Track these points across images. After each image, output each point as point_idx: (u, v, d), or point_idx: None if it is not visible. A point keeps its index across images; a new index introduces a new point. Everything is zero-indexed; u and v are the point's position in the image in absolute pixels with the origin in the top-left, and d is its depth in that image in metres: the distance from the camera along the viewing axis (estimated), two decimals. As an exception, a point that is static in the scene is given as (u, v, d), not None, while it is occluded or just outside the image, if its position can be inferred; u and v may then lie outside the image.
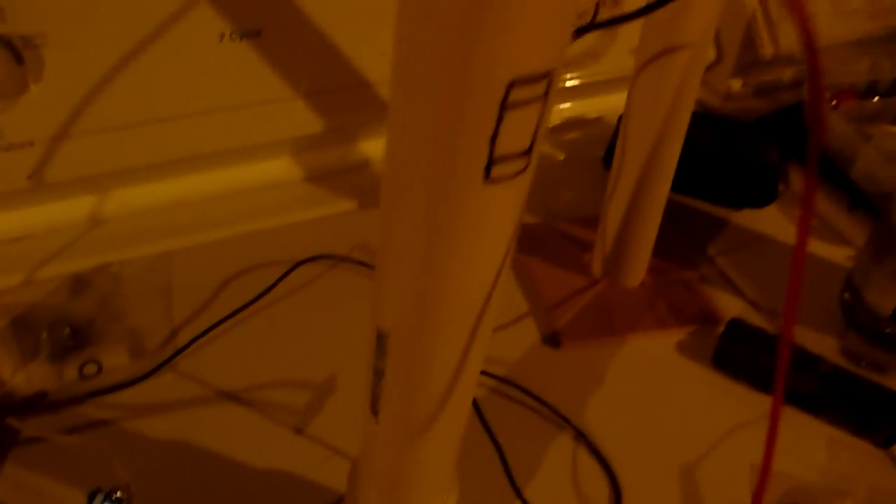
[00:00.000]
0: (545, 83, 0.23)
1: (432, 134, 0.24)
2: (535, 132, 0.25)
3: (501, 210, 0.26)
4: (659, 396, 0.66)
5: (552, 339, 0.69)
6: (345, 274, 0.75)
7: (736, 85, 0.98)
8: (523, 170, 0.25)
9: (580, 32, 0.44)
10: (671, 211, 0.72)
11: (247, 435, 0.62)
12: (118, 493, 0.51)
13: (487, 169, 0.24)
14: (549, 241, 0.78)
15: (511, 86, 0.22)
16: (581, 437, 0.62)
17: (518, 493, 0.57)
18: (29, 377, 0.65)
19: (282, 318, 0.70)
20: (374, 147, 0.86)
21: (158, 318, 0.70)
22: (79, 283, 0.72)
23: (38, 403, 0.62)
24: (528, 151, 0.25)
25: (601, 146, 0.90)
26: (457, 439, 0.39)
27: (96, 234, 0.77)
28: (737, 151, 0.85)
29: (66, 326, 0.66)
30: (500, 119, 0.23)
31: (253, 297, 0.71)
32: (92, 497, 0.51)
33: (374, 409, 0.37)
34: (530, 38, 0.21)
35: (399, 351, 0.32)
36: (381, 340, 0.33)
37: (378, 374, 0.35)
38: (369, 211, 0.82)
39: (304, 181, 0.84)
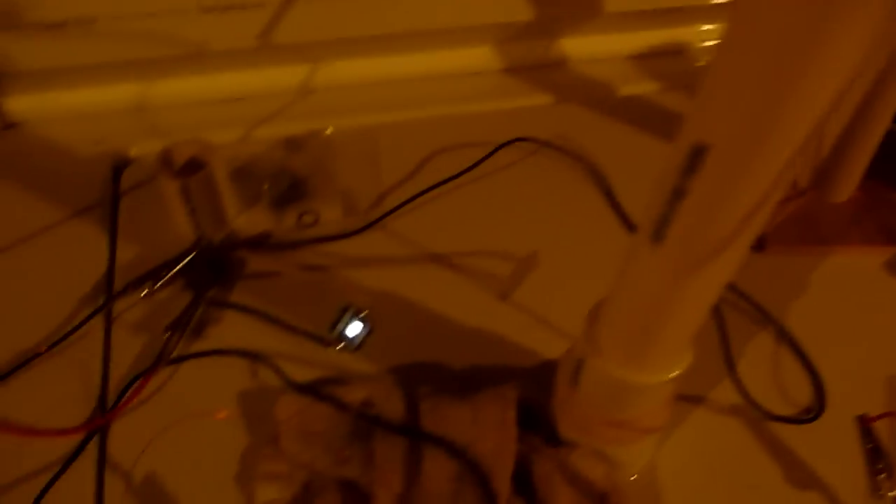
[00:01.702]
0: None
1: None
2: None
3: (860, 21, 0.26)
4: (864, 309, 0.65)
5: (757, 243, 0.68)
6: (544, 160, 0.76)
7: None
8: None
9: None
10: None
11: (454, 294, 0.64)
12: (364, 313, 0.54)
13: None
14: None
15: None
16: (784, 335, 0.62)
17: (731, 368, 0.57)
18: (250, 220, 0.69)
19: (484, 195, 0.72)
20: (574, 45, 0.85)
21: (368, 182, 0.73)
22: (293, 144, 0.76)
23: (262, 242, 0.66)
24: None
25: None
26: (727, 278, 0.39)
27: (307, 103, 0.81)
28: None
29: (287, 178, 0.70)
30: None
31: (456, 172, 0.73)
32: (343, 311, 0.54)
33: (659, 235, 0.38)
34: None
35: (718, 165, 0.33)
36: (695, 156, 0.34)
37: (677, 195, 0.35)
38: (566, 106, 0.82)
39: (502, 72, 0.85)
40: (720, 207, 0.35)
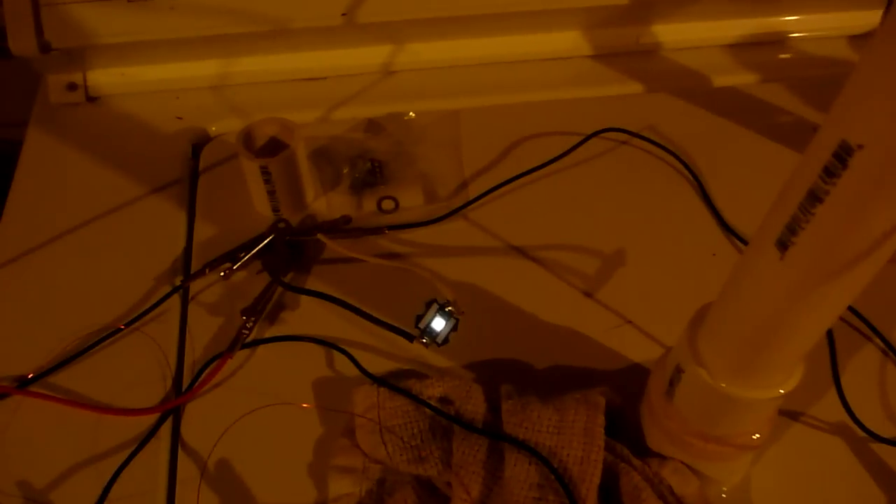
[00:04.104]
0: None
1: None
2: None
3: None
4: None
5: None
6: (633, 152, 0.72)
7: None
8: None
9: None
10: None
11: (536, 289, 0.62)
12: (450, 307, 0.52)
13: None
14: None
15: None
16: (892, 352, 0.58)
17: (837, 383, 0.54)
18: (329, 204, 0.68)
19: (570, 186, 0.69)
20: (667, 32, 0.81)
21: (449, 168, 0.70)
22: (373, 127, 0.74)
23: (340, 227, 0.64)
24: None
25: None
26: (857, 292, 0.36)
27: (387, 85, 0.79)
28: None
29: (367, 162, 0.68)
30: None
31: (540, 162, 0.70)
32: (428, 306, 0.52)
33: (785, 243, 0.34)
34: None
35: (866, 168, 0.30)
36: (838, 157, 0.30)
37: (813, 199, 0.32)
38: (657, 95, 0.78)
39: (591, 58, 0.81)
40: (863, 215, 0.31)
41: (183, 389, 0.57)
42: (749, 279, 0.38)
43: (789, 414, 0.54)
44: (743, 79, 0.80)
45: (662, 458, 0.49)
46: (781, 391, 0.42)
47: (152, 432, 0.54)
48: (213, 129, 0.75)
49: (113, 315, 0.60)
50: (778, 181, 0.68)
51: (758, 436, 0.47)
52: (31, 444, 0.54)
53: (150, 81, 0.77)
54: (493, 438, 0.50)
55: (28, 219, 0.67)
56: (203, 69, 0.77)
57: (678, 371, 0.45)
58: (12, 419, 0.55)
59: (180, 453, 0.53)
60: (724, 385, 0.42)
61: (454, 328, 0.53)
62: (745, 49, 0.82)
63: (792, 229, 0.34)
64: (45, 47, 0.70)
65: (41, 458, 0.53)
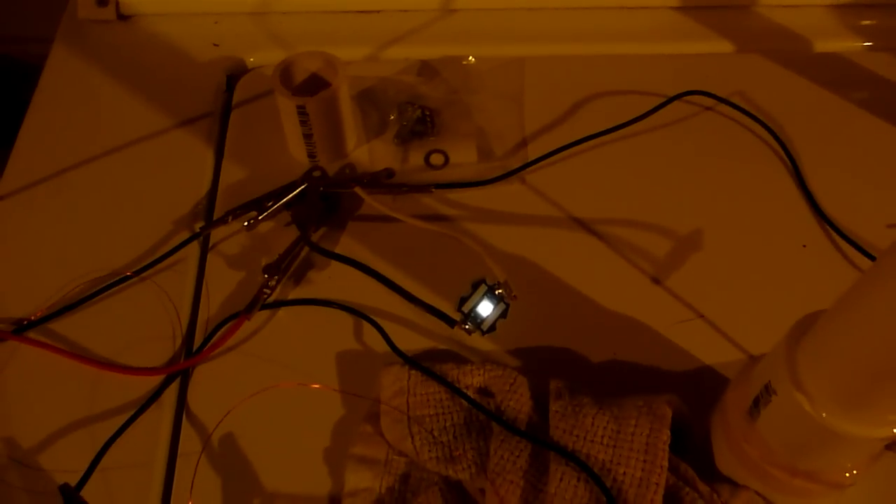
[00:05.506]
0: None
1: None
2: None
3: None
4: None
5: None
6: (719, 120, 0.64)
7: None
8: None
9: None
10: None
11: (598, 268, 0.54)
12: (500, 290, 0.45)
13: None
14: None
15: None
16: None
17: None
18: (371, 154, 0.61)
19: (644, 154, 0.61)
20: (767, -16, 0.72)
21: (509, 123, 0.62)
22: (426, 70, 0.66)
23: (382, 181, 0.57)
24: None
25: None
26: None
27: (446, 24, 0.70)
28: None
29: (417, 109, 0.61)
30: None
31: (612, 124, 0.62)
32: (475, 287, 0.45)
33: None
34: None
35: None
36: None
37: None
38: (749, 57, 0.69)
39: (674, 9, 0.72)
40: None
41: (193, 350, 0.51)
42: (890, 294, 0.30)
43: (885, 443, 0.47)
44: (849, 45, 0.70)
45: (734, 485, 0.42)
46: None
47: (155, 396, 0.49)
48: (252, 59, 0.68)
49: (123, 260, 0.54)
50: (884, 164, 0.59)
51: (853, 475, 0.39)
52: (22, 398, 0.49)
53: (188, 2, 0.70)
54: (538, 444, 0.43)
55: (42, 144, 0.61)
56: (246, -9, 0.70)
57: (768, 391, 0.38)
58: (5, 367, 0.50)
59: (184, 423, 0.48)
60: (825, 416, 0.35)
61: (503, 315, 0.46)
62: (853, 10, 0.72)
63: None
64: (72, -46, 0.63)
65: (32, 415, 0.48)
